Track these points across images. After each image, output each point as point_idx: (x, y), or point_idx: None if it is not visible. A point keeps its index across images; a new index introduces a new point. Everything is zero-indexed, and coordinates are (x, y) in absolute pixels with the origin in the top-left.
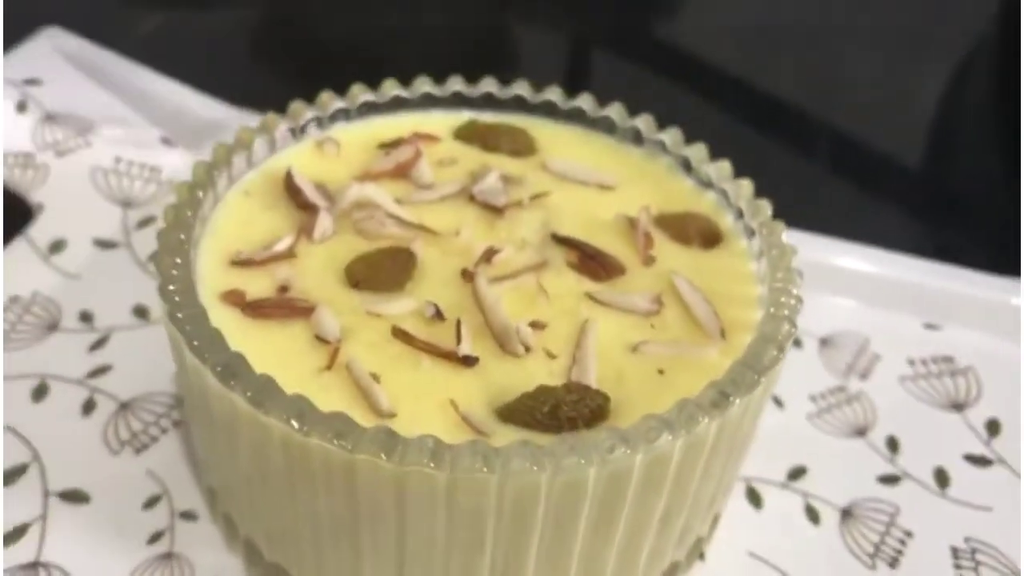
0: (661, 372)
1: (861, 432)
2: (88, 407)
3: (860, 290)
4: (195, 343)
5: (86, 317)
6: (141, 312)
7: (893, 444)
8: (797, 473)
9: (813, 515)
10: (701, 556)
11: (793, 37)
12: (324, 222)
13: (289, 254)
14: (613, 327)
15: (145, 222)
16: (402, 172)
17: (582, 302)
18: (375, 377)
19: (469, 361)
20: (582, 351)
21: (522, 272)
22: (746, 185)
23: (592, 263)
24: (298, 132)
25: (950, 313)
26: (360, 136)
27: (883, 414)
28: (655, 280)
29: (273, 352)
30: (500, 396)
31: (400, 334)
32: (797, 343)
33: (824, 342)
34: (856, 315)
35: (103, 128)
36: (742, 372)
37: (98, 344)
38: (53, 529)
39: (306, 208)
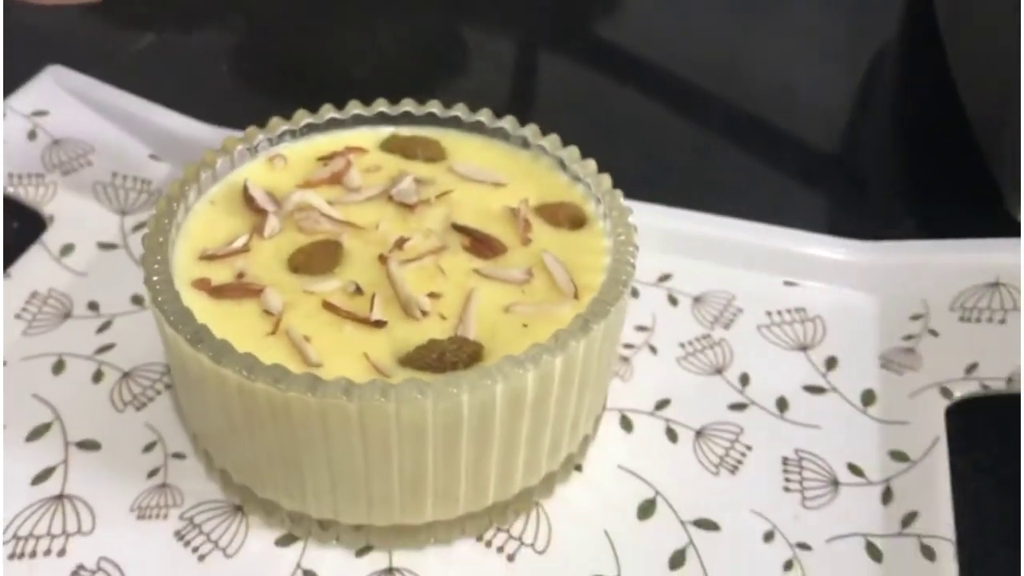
0: (525, 326)
1: (719, 370)
2: (97, 376)
3: (730, 256)
4: (171, 319)
5: (93, 306)
6: (138, 300)
7: (745, 379)
8: (663, 404)
9: (672, 435)
10: (578, 468)
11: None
12: (272, 223)
13: (244, 249)
14: (492, 294)
15: (139, 226)
16: (336, 179)
17: (470, 276)
18: (307, 339)
19: (379, 324)
20: (467, 313)
21: (425, 255)
22: (605, 178)
23: (481, 245)
24: (253, 150)
25: (806, 272)
26: (303, 151)
27: (739, 355)
28: (529, 257)
29: (231, 323)
30: (402, 349)
31: (328, 306)
32: (673, 301)
33: (697, 300)
34: (725, 276)
35: (101, 149)
36: (582, 321)
37: (103, 327)
38: (73, 470)
39: (258, 212)
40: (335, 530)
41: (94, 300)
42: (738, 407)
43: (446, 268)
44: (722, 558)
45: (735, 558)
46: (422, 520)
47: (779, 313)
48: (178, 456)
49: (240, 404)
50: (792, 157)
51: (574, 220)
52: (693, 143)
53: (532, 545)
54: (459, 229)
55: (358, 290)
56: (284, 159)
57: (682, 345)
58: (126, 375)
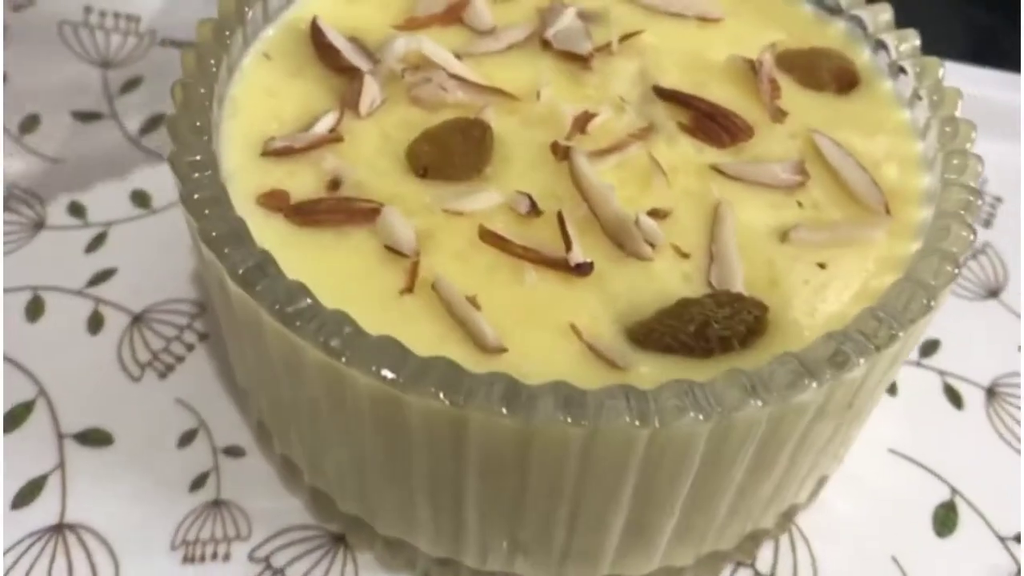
0: (822, 266)
1: (993, 292)
2: (94, 323)
3: None
4: (240, 272)
5: (77, 210)
6: (141, 199)
7: None
8: (930, 348)
9: (955, 398)
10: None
11: None
12: (370, 89)
13: (334, 136)
14: (752, 209)
15: (130, 85)
16: (454, 15)
17: (707, 178)
18: (472, 301)
19: (584, 269)
20: (720, 245)
21: (627, 143)
22: (884, 8)
23: (711, 124)
24: None
25: None
26: None
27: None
28: (791, 141)
29: (336, 272)
30: (629, 312)
31: (491, 238)
32: None
33: None
34: None
35: None
36: (936, 266)
37: (95, 243)
38: (74, 480)
39: (344, 71)
40: None
41: (77, 201)
42: None
43: (666, 164)
44: None
45: None
46: (640, 572)
47: None
48: (233, 452)
49: (373, 420)
50: None
51: (842, 78)
52: None
53: None
54: (668, 96)
55: (533, 208)
56: None
57: None
58: (137, 319)
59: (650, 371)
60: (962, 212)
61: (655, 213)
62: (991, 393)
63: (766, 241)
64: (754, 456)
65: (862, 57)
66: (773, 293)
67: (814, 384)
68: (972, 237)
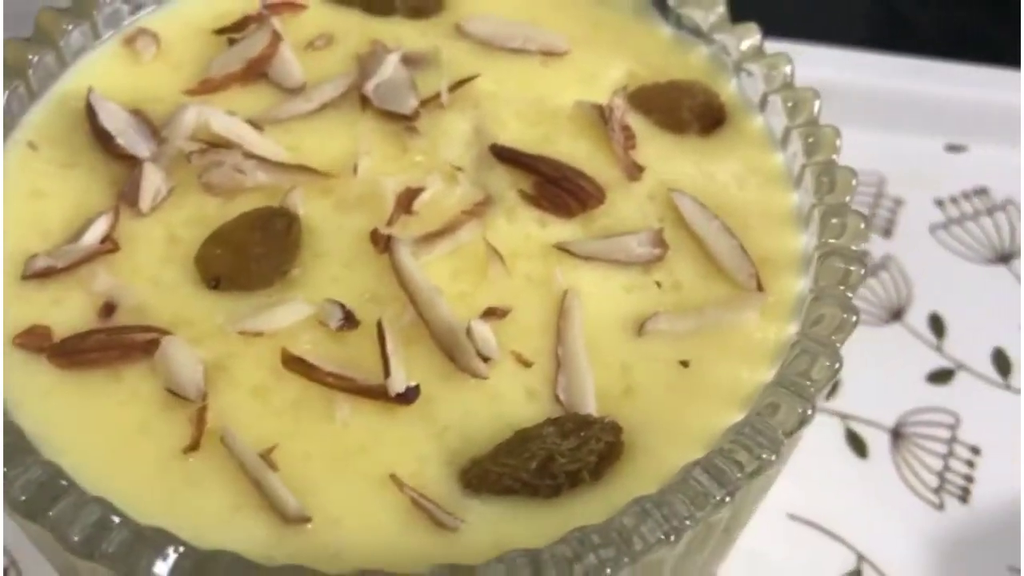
0: (685, 364)
1: (895, 314)
2: None
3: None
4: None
5: None
6: None
7: (937, 324)
8: None
9: (858, 445)
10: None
11: None
12: (152, 180)
13: (108, 248)
14: (604, 297)
15: None
16: (256, 71)
17: (553, 260)
18: (267, 458)
19: (407, 397)
20: (567, 348)
21: (460, 223)
22: (751, 30)
23: (556, 191)
24: (94, 29)
25: None
26: (185, 19)
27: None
28: (649, 204)
29: (107, 428)
30: (462, 448)
31: (296, 364)
32: None
33: None
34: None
35: None
36: (809, 364)
37: None
38: None
39: (121, 158)
40: None
41: None
42: (940, 376)
43: (504, 248)
44: None
45: None
46: None
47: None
48: None
49: None
50: None
51: (706, 116)
52: None
53: None
54: (507, 157)
55: (347, 319)
56: (154, 37)
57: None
58: None
59: (487, 522)
60: (841, 288)
61: (492, 312)
62: (897, 435)
63: (620, 338)
64: None
65: (727, 89)
66: (628, 405)
67: (677, 541)
68: (854, 319)
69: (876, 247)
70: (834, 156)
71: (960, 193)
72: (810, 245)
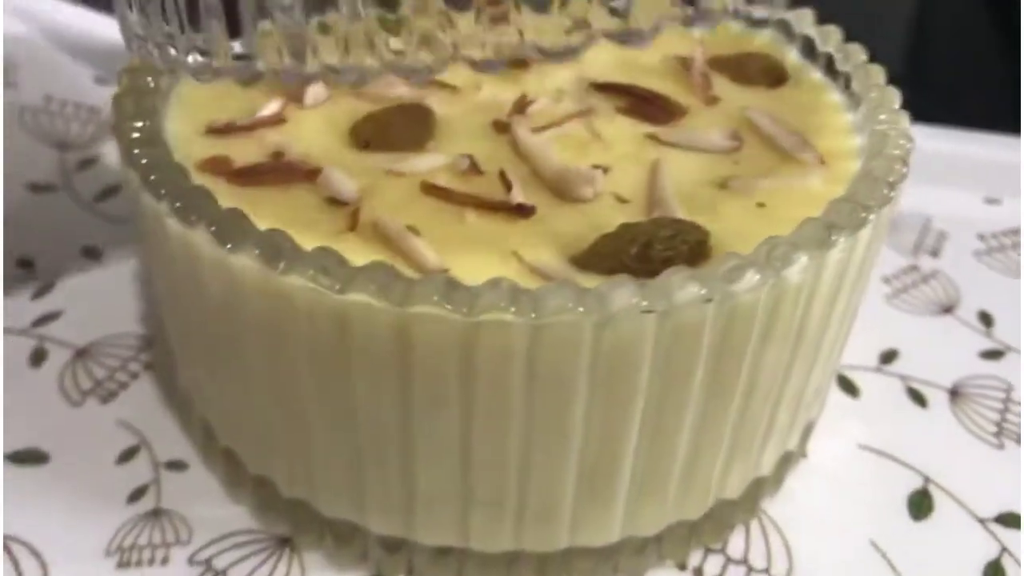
0: (761, 205)
1: (947, 308)
2: (37, 357)
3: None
4: (178, 204)
5: (25, 264)
6: (91, 253)
7: (986, 318)
8: (889, 356)
9: (918, 398)
10: (804, 454)
11: None
12: (315, 86)
13: (278, 118)
14: (690, 167)
15: (87, 163)
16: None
17: (646, 145)
18: (413, 230)
19: (524, 210)
20: (658, 190)
21: (566, 120)
22: (806, 14)
23: (648, 106)
24: None
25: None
26: None
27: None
28: (725, 118)
29: (278, 219)
30: (572, 244)
31: (432, 189)
32: None
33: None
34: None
35: (28, 66)
36: (864, 190)
37: (42, 292)
38: (12, 495)
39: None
40: (454, 560)
41: (26, 255)
42: (991, 355)
43: (605, 135)
44: None
45: None
46: (603, 541)
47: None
48: (176, 466)
49: (311, 356)
50: None
51: (771, 74)
52: None
53: (767, 572)
54: (604, 88)
55: (473, 167)
56: None
57: (886, 280)
58: (80, 353)
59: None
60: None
61: (595, 168)
62: (954, 394)
63: (705, 188)
64: (709, 371)
65: (790, 57)
66: (714, 222)
67: (757, 276)
68: (910, 144)
69: (924, 262)
70: (879, 81)
71: (1000, 231)
72: (865, 142)
